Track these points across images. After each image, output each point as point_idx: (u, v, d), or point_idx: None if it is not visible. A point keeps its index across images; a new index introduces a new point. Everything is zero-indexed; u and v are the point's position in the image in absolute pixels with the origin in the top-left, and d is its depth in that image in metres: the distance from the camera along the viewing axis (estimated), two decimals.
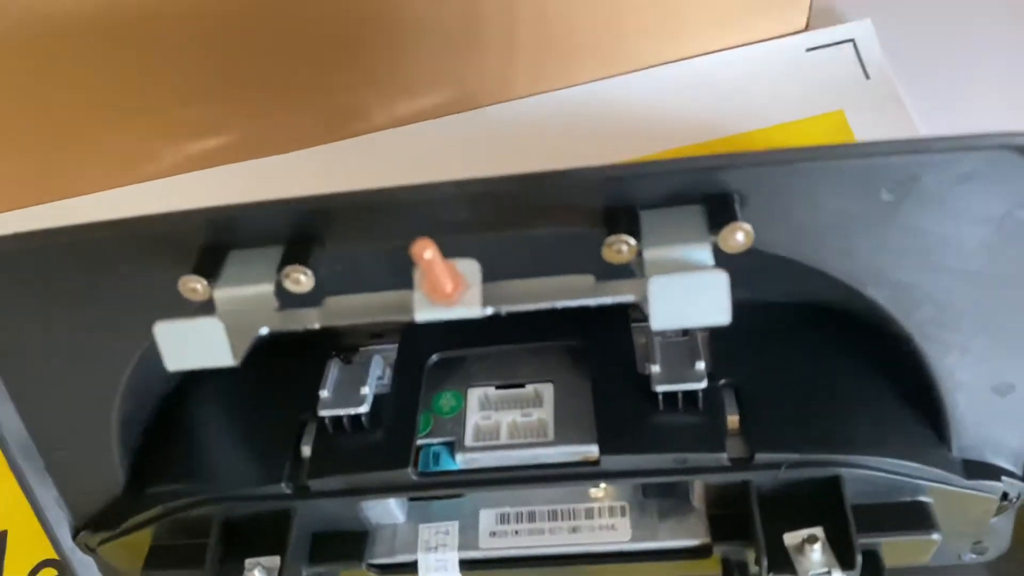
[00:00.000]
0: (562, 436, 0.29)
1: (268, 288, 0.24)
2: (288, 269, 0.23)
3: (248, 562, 0.29)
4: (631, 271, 0.23)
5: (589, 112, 0.45)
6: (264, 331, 0.23)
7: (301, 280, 0.24)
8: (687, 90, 0.45)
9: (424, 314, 0.22)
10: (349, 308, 0.23)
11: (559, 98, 0.46)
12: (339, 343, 0.32)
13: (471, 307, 0.22)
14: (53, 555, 0.37)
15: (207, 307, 0.24)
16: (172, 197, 0.44)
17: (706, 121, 0.43)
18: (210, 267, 0.24)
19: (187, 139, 0.44)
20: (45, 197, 0.44)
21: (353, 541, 0.31)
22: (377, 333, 0.32)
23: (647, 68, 0.45)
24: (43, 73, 0.39)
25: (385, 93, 0.44)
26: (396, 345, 0.32)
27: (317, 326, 0.23)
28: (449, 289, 0.21)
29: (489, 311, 0.22)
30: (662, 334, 0.30)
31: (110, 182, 0.44)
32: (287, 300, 0.24)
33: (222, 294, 0.24)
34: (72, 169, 0.43)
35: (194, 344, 0.23)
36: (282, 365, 0.31)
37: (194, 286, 0.24)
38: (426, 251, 0.20)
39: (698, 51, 0.45)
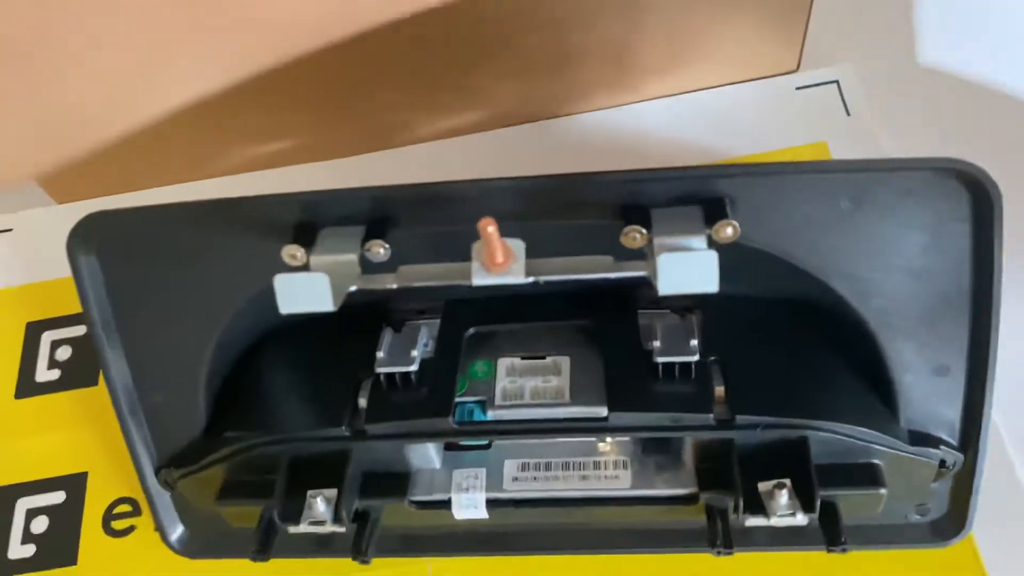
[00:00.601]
0: (576, 399, 0.33)
1: (354, 257, 0.29)
2: (370, 243, 0.29)
3: (310, 493, 0.33)
4: (643, 254, 0.29)
5: (602, 135, 0.49)
6: (353, 288, 0.29)
7: (380, 252, 0.29)
8: (690, 119, 0.49)
9: (480, 279, 0.28)
10: (419, 273, 0.29)
11: (577, 122, 0.50)
12: (389, 318, 0.37)
13: (517, 276, 0.27)
14: (128, 494, 0.42)
15: (302, 271, 0.29)
16: (238, 192, 0.49)
17: (706, 146, 0.48)
18: (307, 239, 0.30)
19: (254, 143, 0.49)
20: (130, 187, 0.49)
21: (397, 481, 0.35)
22: (422, 310, 0.37)
23: (655, 99, 0.50)
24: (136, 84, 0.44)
25: (426, 112, 0.49)
26: (438, 320, 0.36)
27: (394, 287, 0.29)
28: (501, 259, 0.27)
29: (531, 280, 0.28)
30: (663, 317, 0.35)
31: (184, 177, 0.49)
32: (368, 268, 0.29)
33: (317, 260, 0.29)
34: (156, 164, 0.48)
35: (304, 292, 0.28)
36: (339, 335, 0.36)
37: (294, 253, 0.29)
38: (490, 226, 0.25)
39: (701, 85, 0.49)
